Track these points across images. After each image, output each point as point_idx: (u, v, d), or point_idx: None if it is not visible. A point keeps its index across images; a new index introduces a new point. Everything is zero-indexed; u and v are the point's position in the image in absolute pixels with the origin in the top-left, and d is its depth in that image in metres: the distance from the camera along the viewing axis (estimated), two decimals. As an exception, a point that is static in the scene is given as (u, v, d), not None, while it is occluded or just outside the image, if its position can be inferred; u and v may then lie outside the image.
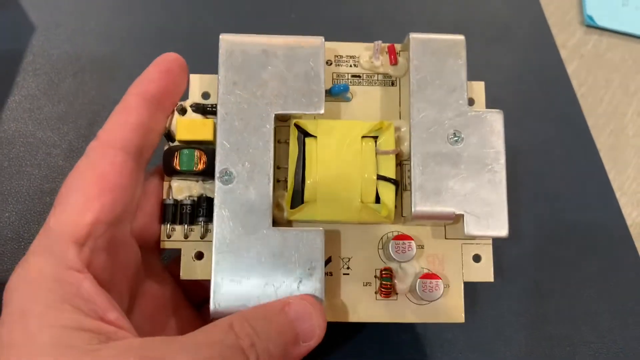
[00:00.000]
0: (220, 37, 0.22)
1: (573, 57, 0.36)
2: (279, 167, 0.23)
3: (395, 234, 0.23)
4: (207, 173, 0.22)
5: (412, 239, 0.22)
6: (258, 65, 0.22)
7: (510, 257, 0.29)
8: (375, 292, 0.23)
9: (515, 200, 0.30)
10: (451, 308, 0.23)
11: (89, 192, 0.19)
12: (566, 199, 0.31)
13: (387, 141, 0.22)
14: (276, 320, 0.19)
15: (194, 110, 0.23)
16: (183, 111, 0.23)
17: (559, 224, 0.31)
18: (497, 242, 0.29)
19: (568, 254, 0.30)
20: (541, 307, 0.29)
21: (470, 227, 0.22)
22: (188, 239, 0.23)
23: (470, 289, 0.28)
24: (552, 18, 0.36)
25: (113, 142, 0.20)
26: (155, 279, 0.23)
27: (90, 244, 0.19)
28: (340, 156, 0.22)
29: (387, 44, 0.24)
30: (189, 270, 0.22)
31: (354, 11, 0.35)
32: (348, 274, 0.23)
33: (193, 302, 0.24)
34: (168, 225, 0.22)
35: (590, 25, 0.37)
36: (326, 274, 0.23)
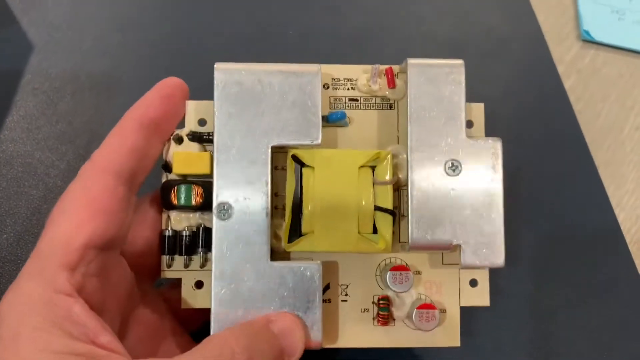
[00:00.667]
0: (215, 66, 0.22)
1: (570, 72, 0.35)
2: (277, 193, 0.23)
3: (393, 260, 0.23)
4: (205, 207, 0.22)
5: (409, 270, 0.22)
6: (253, 96, 0.22)
7: (508, 274, 0.29)
8: (373, 318, 0.23)
9: (513, 217, 0.30)
10: (448, 333, 0.23)
11: (81, 215, 0.19)
12: (564, 215, 0.31)
13: (384, 171, 0.22)
14: (263, 335, 0.20)
15: (190, 139, 0.23)
16: (180, 140, 0.23)
17: (557, 241, 0.31)
18: None
19: (567, 271, 0.30)
20: (540, 324, 0.29)
21: (467, 257, 0.22)
22: (188, 268, 0.23)
23: (466, 309, 0.28)
24: (549, 33, 0.36)
25: (106, 166, 0.20)
26: (149, 305, 0.23)
27: (81, 268, 0.19)
28: (338, 187, 0.22)
29: (385, 67, 0.24)
30: (189, 299, 0.23)
31: (352, 27, 0.35)
32: (346, 301, 0.23)
33: (187, 330, 0.24)
34: (167, 256, 0.23)
35: (587, 40, 0.36)
36: (325, 300, 0.23)
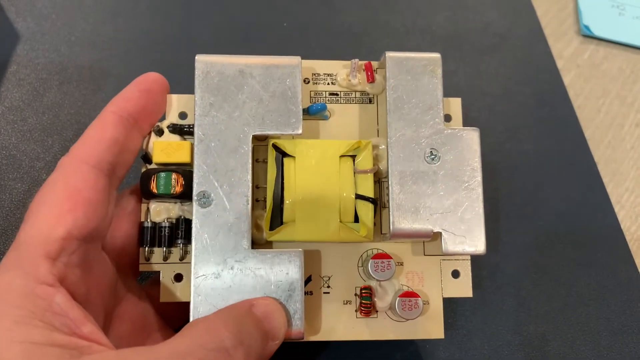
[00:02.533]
0: (196, 58, 0.22)
1: (570, 67, 0.35)
2: (258, 186, 0.23)
3: (375, 251, 0.23)
4: (185, 195, 0.22)
5: (391, 258, 0.22)
6: (234, 86, 0.22)
7: (506, 273, 0.29)
8: (356, 311, 0.23)
9: (510, 214, 0.30)
10: (431, 324, 0.23)
11: (61, 206, 0.19)
12: (563, 212, 0.31)
13: (365, 160, 0.23)
14: (249, 319, 0.19)
15: (170, 131, 0.23)
16: (160, 132, 0.23)
17: (556, 239, 0.30)
18: (492, 258, 0.29)
19: (566, 271, 0.30)
20: (539, 325, 0.28)
21: (448, 244, 0.22)
22: (167, 261, 0.22)
23: (467, 307, 0.28)
24: (548, 28, 0.36)
25: (86, 158, 0.20)
26: (132, 300, 0.22)
27: (63, 258, 0.18)
28: (319, 176, 0.22)
29: (364, 62, 0.24)
30: (168, 292, 0.22)
31: (348, 20, 0.35)
32: (328, 293, 0.23)
33: (171, 325, 0.23)
34: (147, 248, 0.22)
35: (587, 35, 0.36)
36: (306, 293, 0.23)
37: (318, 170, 0.22)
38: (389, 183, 0.22)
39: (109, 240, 0.22)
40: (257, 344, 0.19)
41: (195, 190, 0.21)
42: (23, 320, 0.16)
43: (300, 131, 0.22)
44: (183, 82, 0.23)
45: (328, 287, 0.23)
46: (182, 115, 0.23)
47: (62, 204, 0.19)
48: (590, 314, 0.29)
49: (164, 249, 0.22)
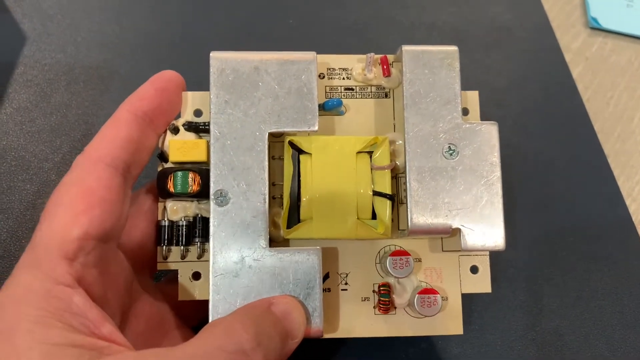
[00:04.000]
0: (211, 55, 0.22)
1: (578, 60, 0.35)
2: (274, 183, 0.23)
3: (393, 248, 0.23)
4: (202, 194, 0.21)
5: (410, 255, 0.22)
6: (250, 83, 0.22)
7: (518, 268, 0.29)
8: (374, 307, 0.23)
9: (521, 208, 0.30)
10: (450, 320, 0.23)
11: (77, 206, 0.19)
12: (574, 207, 0.31)
13: (382, 156, 0.22)
14: (268, 319, 0.19)
15: (186, 129, 0.23)
16: (176, 130, 0.23)
17: (567, 234, 0.30)
18: (505, 253, 0.28)
19: (578, 265, 0.29)
20: (552, 320, 0.28)
21: (467, 240, 0.22)
22: (185, 259, 0.22)
23: (479, 303, 0.28)
24: (556, 21, 0.35)
25: (100, 157, 0.20)
26: (149, 299, 0.22)
27: (80, 259, 0.18)
28: (336, 173, 0.22)
29: (380, 56, 0.24)
30: (186, 291, 0.22)
31: (353, 16, 0.34)
32: (346, 290, 0.23)
33: (187, 323, 0.23)
34: (164, 246, 0.22)
35: (595, 28, 0.36)
36: (324, 290, 0.23)
37: (335, 167, 0.22)
38: (407, 179, 0.22)
39: (125, 239, 0.22)
40: (276, 344, 0.19)
41: (213, 188, 0.21)
42: (42, 321, 0.17)
43: (316, 128, 0.22)
44: (191, 81, 0.23)
45: (346, 284, 0.23)
46: (197, 113, 0.23)
47: (77, 204, 0.19)
48: (604, 308, 0.28)
49: (182, 247, 0.22)
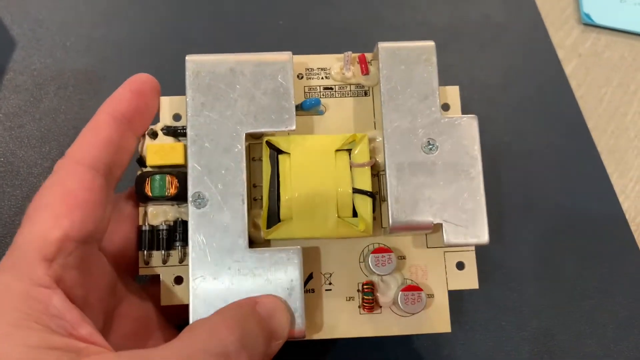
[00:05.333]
0: (187, 58, 0.22)
1: (571, 56, 0.34)
2: (255, 185, 0.23)
3: (377, 246, 0.23)
4: (180, 197, 0.21)
5: (392, 252, 0.22)
6: (226, 85, 0.22)
7: (509, 267, 0.29)
8: (359, 307, 0.22)
9: (514, 207, 0.30)
10: (437, 318, 0.23)
11: (57, 209, 0.19)
12: (567, 204, 0.30)
13: (361, 153, 0.22)
14: (253, 319, 0.19)
15: (165, 134, 0.23)
16: (154, 135, 0.23)
17: (560, 232, 0.30)
18: (496, 252, 0.29)
19: (569, 262, 0.29)
20: (543, 319, 0.28)
21: (450, 235, 0.21)
22: (166, 264, 0.22)
23: (470, 302, 0.28)
24: (549, 17, 0.35)
25: (81, 160, 0.20)
26: (133, 301, 0.22)
27: (60, 260, 0.18)
28: (315, 171, 0.22)
29: (358, 54, 0.24)
30: (168, 295, 0.22)
31: (345, 15, 0.34)
32: (330, 290, 0.23)
33: (172, 322, 0.23)
34: (145, 251, 0.22)
35: (588, 24, 0.36)
36: (308, 290, 0.22)
37: (313, 166, 0.22)
38: (386, 174, 0.22)
39: (107, 243, 0.22)
40: (260, 346, 0.19)
41: (190, 191, 0.21)
42: (20, 323, 0.16)
43: (293, 127, 0.22)
44: (179, 84, 0.23)
45: (330, 284, 0.23)
46: (176, 117, 0.23)
47: (58, 206, 0.19)
48: (596, 307, 0.28)
49: (163, 252, 0.22)
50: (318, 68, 0.24)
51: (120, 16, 0.34)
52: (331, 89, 0.24)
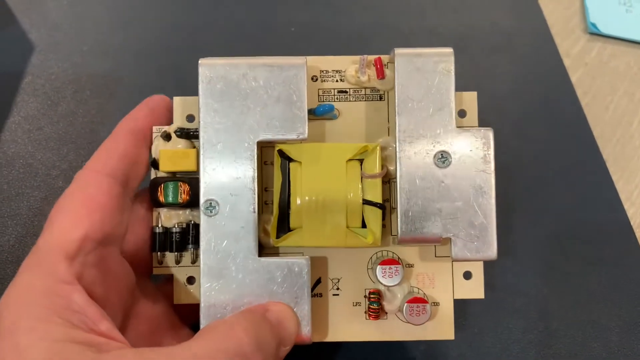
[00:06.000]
0: (200, 62, 0.22)
1: (577, 65, 0.35)
2: (266, 189, 0.23)
3: (385, 254, 0.23)
4: (192, 204, 0.22)
5: (399, 263, 0.22)
6: (239, 92, 0.22)
7: (516, 271, 0.29)
8: (365, 312, 0.23)
9: (520, 213, 0.30)
10: (441, 325, 0.23)
11: (78, 212, 0.20)
12: (572, 210, 0.30)
13: (372, 164, 0.22)
14: (266, 324, 0.20)
15: (178, 136, 0.23)
16: (168, 137, 0.23)
17: (565, 237, 0.30)
18: (504, 257, 0.29)
19: (575, 268, 0.29)
20: (549, 323, 0.28)
21: (458, 251, 0.21)
22: (179, 264, 0.23)
23: (478, 306, 0.28)
24: (555, 26, 0.35)
25: (100, 169, 0.21)
26: (149, 300, 0.23)
27: (80, 258, 0.19)
28: (326, 181, 0.22)
29: (374, 57, 0.23)
30: (181, 294, 0.23)
31: (355, 23, 0.35)
32: (338, 295, 0.23)
33: (186, 322, 0.24)
34: (158, 252, 0.23)
35: (594, 33, 0.36)
36: (316, 295, 0.23)
37: (325, 176, 0.22)
38: (397, 187, 0.22)
39: (128, 247, 0.22)
40: (272, 349, 0.19)
41: (202, 199, 0.21)
42: (44, 318, 0.17)
43: (306, 136, 0.22)
44: (194, 88, 0.23)
45: (337, 289, 0.23)
46: (190, 118, 0.23)
47: (78, 210, 0.20)
48: (601, 311, 0.28)
49: (175, 253, 0.23)
50: (333, 70, 0.24)
51: (137, 21, 0.34)
52: (345, 92, 0.24)
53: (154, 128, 0.23)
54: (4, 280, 0.28)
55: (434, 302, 0.23)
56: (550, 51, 0.35)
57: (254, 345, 0.18)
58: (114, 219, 0.20)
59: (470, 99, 0.24)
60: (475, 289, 0.23)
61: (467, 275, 0.23)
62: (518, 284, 0.29)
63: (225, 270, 0.21)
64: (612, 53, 0.35)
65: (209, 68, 0.22)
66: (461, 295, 0.23)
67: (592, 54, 0.35)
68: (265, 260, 0.21)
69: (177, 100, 0.23)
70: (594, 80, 0.34)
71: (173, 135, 0.23)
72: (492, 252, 0.21)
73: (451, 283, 0.23)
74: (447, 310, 0.23)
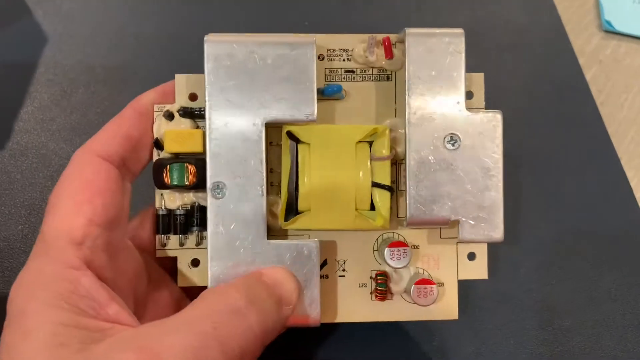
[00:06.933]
0: (205, 38, 0.21)
1: (591, 63, 0.35)
2: (272, 170, 0.23)
3: (391, 235, 0.23)
4: (199, 185, 0.21)
5: (407, 246, 0.22)
6: (246, 70, 0.21)
7: (530, 269, 0.29)
8: (371, 293, 0.23)
9: (534, 210, 0.31)
10: (446, 306, 0.23)
11: (79, 197, 0.19)
12: (587, 208, 0.31)
13: (381, 146, 0.22)
14: (261, 285, 0.20)
15: (181, 115, 0.22)
16: (170, 116, 0.22)
17: (580, 235, 0.30)
18: (517, 254, 0.30)
19: (590, 266, 0.30)
20: (564, 320, 0.28)
21: (465, 232, 0.22)
22: (183, 246, 0.23)
23: (493, 302, 0.29)
24: (570, 24, 0.35)
25: (96, 151, 0.21)
26: (163, 289, 0.23)
27: (88, 243, 0.19)
28: (334, 163, 0.22)
29: (383, 36, 0.23)
30: (185, 277, 0.23)
31: (367, 19, 0.35)
32: (344, 276, 0.23)
33: None
34: (162, 235, 0.22)
35: (609, 31, 0.36)
36: (322, 276, 0.23)
37: (333, 158, 0.22)
38: (406, 169, 0.21)
39: (135, 239, 0.22)
40: (270, 307, 0.19)
41: (209, 181, 0.21)
42: (51, 303, 0.17)
43: (314, 117, 0.21)
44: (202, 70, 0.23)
45: (343, 270, 0.23)
46: (193, 97, 0.23)
47: (78, 195, 0.19)
48: (616, 310, 0.29)
49: (180, 235, 0.22)
50: (340, 49, 0.23)
51: (151, 13, 0.34)
52: (353, 72, 0.23)
53: (155, 107, 0.22)
54: (17, 269, 0.27)
55: (438, 283, 0.23)
56: (564, 48, 0.35)
57: (246, 300, 0.18)
58: (115, 202, 0.20)
59: (478, 79, 0.23)
60: (479, 270, 0.24)
61: (471, 257, 0.24)
62: (532, 281, 0.29)
63: (233, 254, 0.21)
64: (626, 51, 0.35)
65: (215, 45, 0.21)
66: (465, 276, 0.23)
67: (607, 51, 0.35)
68: (274, 242, 0.21)
69: (179, 78, 0.22)
70: (609, 78, 0.34)
71: (176, 114, 0.22)
72: (499, 233, 0.22)
73: (455, 264, 0.23)
74: (451, 291, 0.23)
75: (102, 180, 0.20)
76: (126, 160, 0.21)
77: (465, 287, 0.25)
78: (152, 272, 0.22)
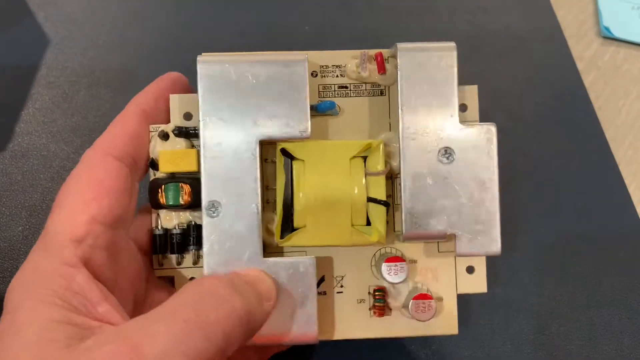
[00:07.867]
0: (198, 59, 0.21)
1: (590, 69, 0.35)
2: (268, 187, 0.23)
3: (388, 250, 0.23)
4: (194, 205, 0.21)
5: (404, 261, 0.22)
6: (239, 89, 0.21)
7: (528, 273, 0.29)
8: (369, 309, 0.23)
9: (533, 215, 0.31)
10: (445, 320, 0.23)
11: (86, 195, 0.20)
12: (585, 213, 0.31)
13: (376, 162, 0.22)
14: (239, 280, 0.20)
15: (176, 135, 0.22)
16: (165, 136, 0.22)
17: (578, 240, 0.30)
18: (515, 258, 0.29)
19: (588, 270, 0.29)
20: (561, 325, 0.28)
21: (462, 246, 0.21)
22: (181, 265, 0.23)
23: (490, 306, 0.28)
24: (568, 30, 0.36)
25: (108, 150, 0.21)
26: (161, 286, 0.23)
27: (88, 241, 0.19)
28: (329, 179, 0.22)
29: (375, 51, 0.23)
30: (183, 296, 0.23)
31: (368, 23, 0.35)
32: (342, 292, 0.23)
33: None
34: (160, 254, 0.22)
35: (607, 37, 0.36)
36: (320, 293, 0.23)
37: (328, 174, 0.22)
38: (401, 184, 0.21)
39: (136, 239, 0.22)
40: (252, 297, 0.19)
41: (204, 200, 0.21)
42: (45, 299, 0.17)
43: (308, 134, 0.21)
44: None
45: (341, 286, 0.23)
46: (187, 116, 0.23)
47: (86, 193, 0.20)
48: (614, 314, 0.29)
49: (177, 255, 0.22)
50: (333, 65, 0.23)
51: (152, 16, 0.35)
52: (346, 87, 0.23)
53: (151, 127, 0.22)
54: (16, 271, 0.27)
55: (437, 298, 0.23)
56: (563, 54, 0.35)
57: (229, 287, 0.18)
58: (121, 202, 0.20)
59: (471, 92, 0.23)
60: (478, 284, 0.23)
61: (470, 270, 0.23)
62: (529, 285, 0.29)
63: (230, 271, 0.21)
64: (625, 57, 0.35)
65: (208, 65, 0.21)
66: (464, 290, 0.23)
67: (605, 57, 0.35)
68: (270, 260, 0.21)
69: (173, 98, 0.23)
70: (607, 83, 0.34)
71: (171, 134, 0.22)
72: (496, 247, 0.22)
73: (454, 278, 0.23)
74: (450, 305, 0.23)
75: (113, 179, 0.20)
76: (136, 158, 0.21)
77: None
78: (151, 273, 0.22)
